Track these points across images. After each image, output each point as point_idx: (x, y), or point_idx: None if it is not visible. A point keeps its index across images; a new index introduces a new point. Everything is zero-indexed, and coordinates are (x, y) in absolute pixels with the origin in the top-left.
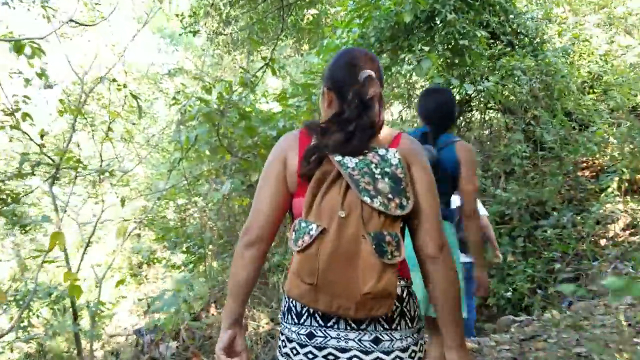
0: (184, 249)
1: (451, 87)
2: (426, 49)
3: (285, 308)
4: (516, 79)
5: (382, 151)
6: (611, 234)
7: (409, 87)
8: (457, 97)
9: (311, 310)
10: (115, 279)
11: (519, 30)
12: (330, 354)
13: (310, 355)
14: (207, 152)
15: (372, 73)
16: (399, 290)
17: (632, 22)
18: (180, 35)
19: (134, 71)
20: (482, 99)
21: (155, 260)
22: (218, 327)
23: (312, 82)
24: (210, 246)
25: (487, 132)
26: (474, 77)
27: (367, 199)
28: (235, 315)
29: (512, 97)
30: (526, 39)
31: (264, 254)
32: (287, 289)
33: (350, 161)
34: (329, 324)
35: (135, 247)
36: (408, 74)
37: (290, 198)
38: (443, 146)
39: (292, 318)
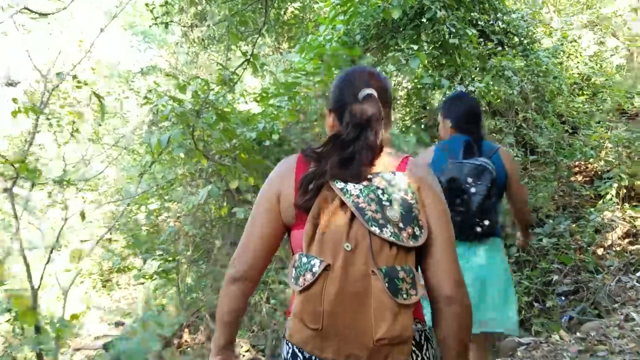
0: (157, 257)
1: (442, 88)
2: (415, 47)
3: (289, 354)
4: (507, 79)
5: (388, 176)
6: (608, 242)
7: (393, 88)
8: None
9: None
10: (85, 285)
11: (508, 30)
12: None
13: None
14: (182, 156)
15: (373, 92)
16: (416, 336)
17: (618, 22)
18: (150, 27)
19: (104, 69)
20: None
21: (126, 269)
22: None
23: (296, 80)
24: (188, 252)
25: None
26: (463, 77)
27: (376, 229)
28: (223, 342)
29: (501, 99)
30: (515, 38)
31: (251, 290)
32: (288, 334)
33: (354, 188)
34: None
35: (105, 255)
36: (391, 74)
37: (285, 231)
38: (490, 155)
39: None
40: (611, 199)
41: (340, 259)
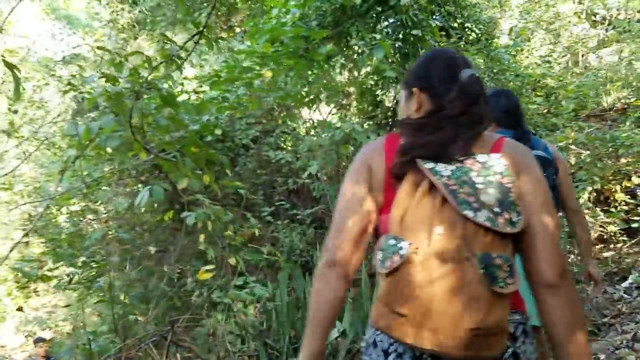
0: (80, 264)
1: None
2: (377, 37)
3: (370, 340)
4: None
5: (482, 157)
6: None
7: (347, 82)
8: None
9: (400, 350)
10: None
11: (466, 25)
12: None
13: None
14: (109, 150)
15: (476, 72)
16: (511, 328)
17: (562, 25)
18: None
19: (20, 53)
20: None
21: (45, 278)
22: None
23: (255, 62)
24: (115, 257)
25: None
26: None
27: (470, 213)
28: (316, 349)
29: None
30: (473, 34)
31: (350, 276)
32: (373, 318)
33: (445, 169)
34: None
35: (20, 262)
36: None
37: (377, 214)
38: (541, 149)
39: (377, 355)
40: (583, 204)
41: (430, 243)
